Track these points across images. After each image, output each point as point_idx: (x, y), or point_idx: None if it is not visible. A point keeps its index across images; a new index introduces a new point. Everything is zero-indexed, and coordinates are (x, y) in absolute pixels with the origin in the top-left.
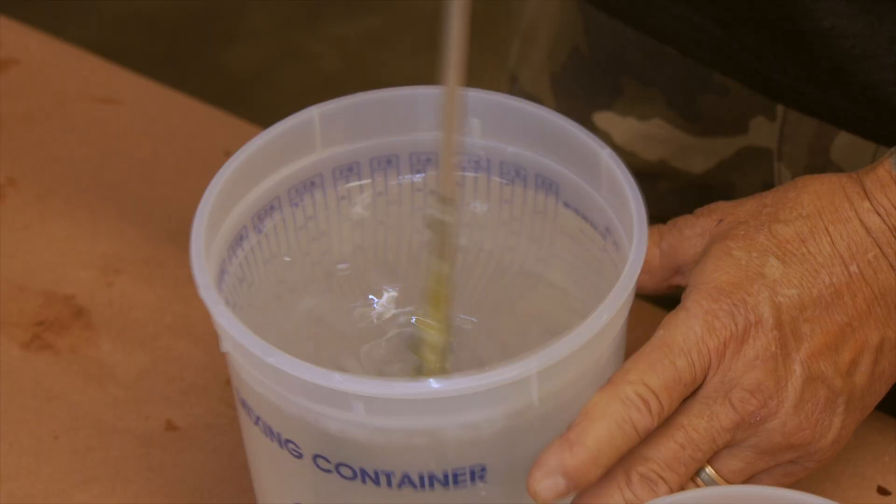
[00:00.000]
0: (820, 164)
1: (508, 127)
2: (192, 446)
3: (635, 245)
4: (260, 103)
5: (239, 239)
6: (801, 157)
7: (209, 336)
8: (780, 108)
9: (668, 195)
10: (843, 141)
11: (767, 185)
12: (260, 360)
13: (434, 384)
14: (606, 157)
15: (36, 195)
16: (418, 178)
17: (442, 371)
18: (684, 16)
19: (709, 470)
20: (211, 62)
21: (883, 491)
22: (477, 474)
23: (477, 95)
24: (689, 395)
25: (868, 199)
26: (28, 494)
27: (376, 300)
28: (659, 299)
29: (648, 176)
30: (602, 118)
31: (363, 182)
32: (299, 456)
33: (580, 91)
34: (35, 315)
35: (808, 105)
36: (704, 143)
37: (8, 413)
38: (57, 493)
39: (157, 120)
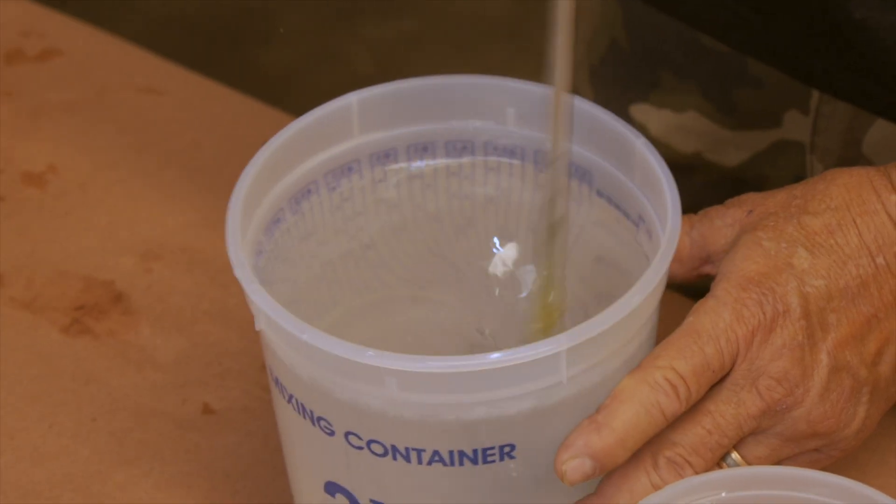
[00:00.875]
0: (852, 157)
1: (542, 115)
2: (228, 429)
3: (669, 229)
4: (294, 104)
5: (276, 221)
6: (834, 150)
7: (246, 322)
8: (813, 102)
9: (703, 188)
10: (875, 135)
11: (799, 179)
12: (293, 336)
13: (464, 360)
14: (641, 145)
15: (76, 183)
16: (453, 163)
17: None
18: (719, 1)
19: (735, 456)
20: (247, 62)
21: None
22: (506, 452)
23: (511, 84)
24: (717, 382)
25: (895, 192)
26: (67, 474)
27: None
28: (690, 290)
29: (683, 168)
30: (639, 110)
31: (399, 165)
32: (331, 433)
33: (618, 83)
34: (75, 300)
35: (842, 90)
36: (738, 137)
37: (48, 395)
38: (95, 474)
39: (197, 110)
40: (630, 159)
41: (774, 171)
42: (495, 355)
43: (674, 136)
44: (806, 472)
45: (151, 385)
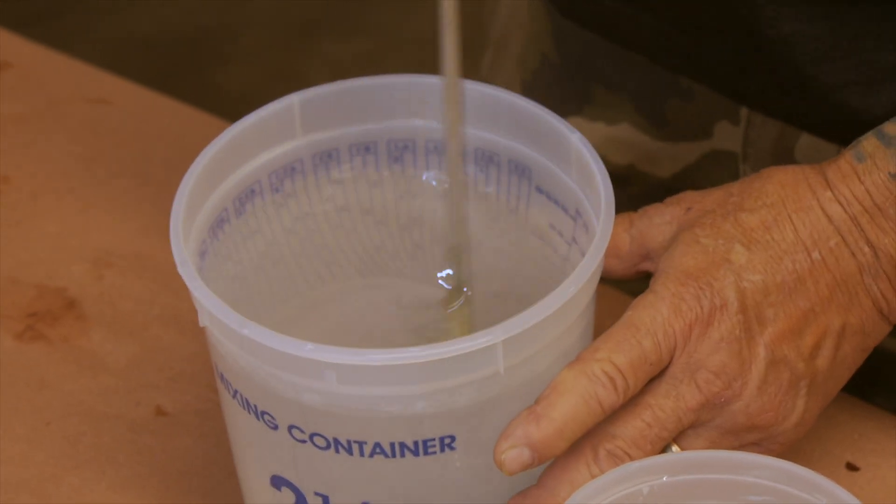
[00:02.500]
0: (784, 164)
1: (481, 113)
2: (181, 432)
3: (603, 219)
4: None
5: (220, 221)
6: (765, 159)
7: (197, 327)
8: (743, 113)
9: (637, 199)
10: (807, 142)
11: None
12: (234, 331)
13: (402, 352)
14: (576, 140)
15: (28, 193)
16: (396, 165)
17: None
18: (651, 25)
19: (675, 448)
20: (205, 83)
21: (851, 467)
22: (447, 444)
23: None
24: (656, 376)
25: (830, 188)
26: (21, 479)
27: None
28: (629, 288)
29: (618, 180)
30: (572, 123)
31: (342, 167)
32: (275, 427)
33: (550, 98)
34: (28, 307)
35: (772, 108)
36: (671, 148)
37: (2, 401)
38: (49, 477)
39: (147, 121)
40: (567, 155)
41: (707, 181)
42: (432, 348)
43: (608, 149)
44: (746, 456)
45: (104, 389)
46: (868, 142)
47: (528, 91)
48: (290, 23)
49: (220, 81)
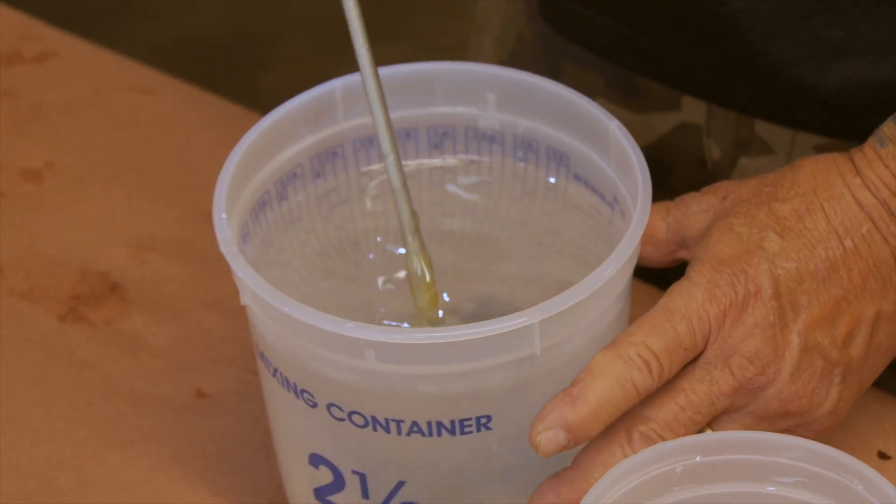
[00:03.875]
0: (745, 138)
1: (521, 101)
2: (221, 412)
3: (640, 204)
4: None
5: (262, 204)
6: (728, 132)
7: (238, 310)
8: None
9: None
10: None
11: (700, 161)
12: (276, 309)
13: (440, 331)
14: (614, 128)
15: (73, 179)
16: (436, 151)
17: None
18: (607, 26)
19: (708, 433)
20: (245, 86)
21: (883, 455)
22: (483, 424)
23: (491, 71)
24: (691, 361)
25: (859, 175)
26: (64, 456)
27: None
28: (662, 282)
29: None
30: None
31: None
32: (314, 405)
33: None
34: (71, 290)
35: (727, 99)
36: (644, 119)
37: (46, 381)
38: (91, 456)
39: (190, 110)
40: (605, 142)
41: (678, 152)
42: (470, 327)
43: None
44: (779, 437)
45: (146, 371)
46: (888, 127)
47: None
48: (329, 27)
49: (261, 85)
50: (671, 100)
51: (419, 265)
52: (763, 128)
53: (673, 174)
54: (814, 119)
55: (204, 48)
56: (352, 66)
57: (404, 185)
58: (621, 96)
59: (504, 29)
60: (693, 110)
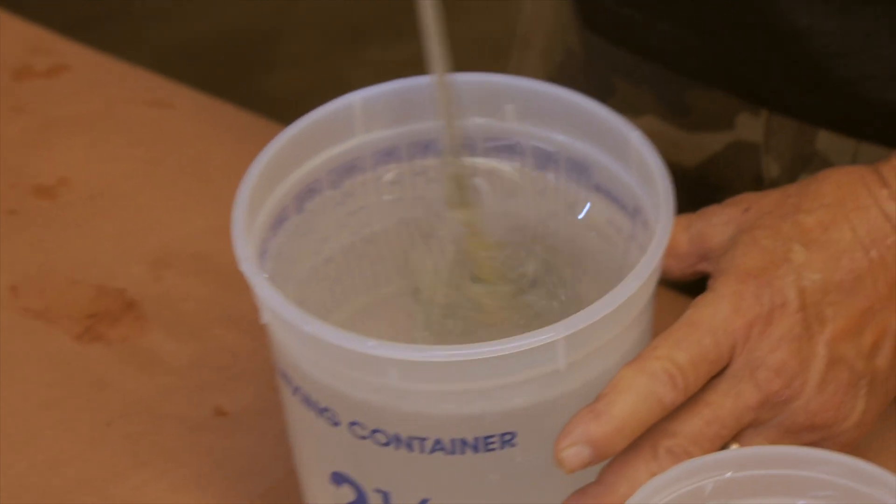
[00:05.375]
0: (806, 154)
1: (540, 111)
2: (241, 431)
3: (663, 216)
4: None
5: (280, 219)
6: (787, 149)
7: (257, 326)
8: None
9: None
10: (827, 133)
11: (757, 179)
12: (297, 328)
13: (464, 349)
14: (635, 138)
15: (87, 195)
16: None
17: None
18: (668, 31)
19: (734, 447)
20: (251, 89)
21: None
22: (507, 441)
23: (509, 81)
24: (717, 374)
25: (886, 187)
26: (83, 478)
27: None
28: (688, 290)
29: None
30: None
31: (402, 164)
32: (336, 424)
33: (575, 90)
34: (87, 308)
35: (789, 108)
36: (694, 139)
37: (63, 401)
38: (111, 477)
39: (205, 124)
40: (626, 152)
41: (732, 171)
42: (493, 345)
43: None
44: (810, 451)
45: (164, 389)
46: None
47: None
48: (335, 28)
49: (267, 87)
50: (724, 118)
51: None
52: (824, 143)
53: (725, 193)
54: (880, 131)
55: (207, 51)
56: (356, 68)
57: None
58: (672, 114)
59: (551, 42)
60: (749, 128)
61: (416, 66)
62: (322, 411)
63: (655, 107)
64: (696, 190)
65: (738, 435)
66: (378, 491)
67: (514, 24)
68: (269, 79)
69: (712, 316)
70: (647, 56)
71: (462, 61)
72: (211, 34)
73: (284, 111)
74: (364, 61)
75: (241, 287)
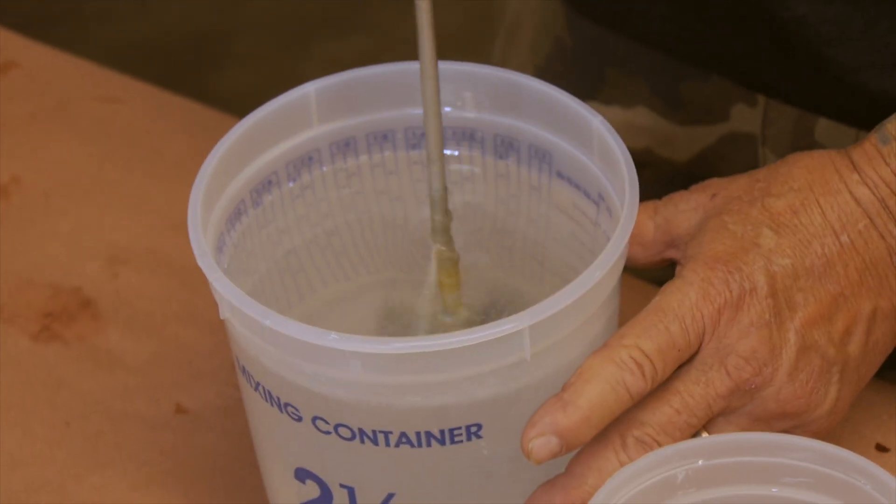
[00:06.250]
0: (804, 145)
1: (500, 99)
2: (202, 429)
3: (627, 203)
4: None
5: (237, 213)
6: (786, 140)
7: (216, 323)
8: (761, 95)
9: (654, 183)
10: (826, 123)
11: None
12: (256, 322)
13: (428, 340)
14: (598, 124)
15: (40, 193)
16: (414, 152)
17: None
18: (665, 15)
19: (704, 435)
20: (202, 86)
21: (881, 448)
22: (473, 432)
23: (468, 69)
24: (686, 362)
25: (857, 171)
26: (43, 479)
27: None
28: (655, 278)
29: (634, 164)
30: None
31: (360, 156)
32: (299, 419)
33: (564, 82)
34: (43, 307)
35: (788, 95)
36: (688, 131)
37: (20, 402)
38: (71, 477)
39: (157, 119)
40: (588, 139)
41: (725, 164)
42: (458, 335)
43: (624, 133)
44: (782, 438)
45: (123, 388)
46: (892, 125)
47: (542, 76)
48: (285, 24)
49: (218, 85)
50: (718, 110)
51: (444, 242)
52: (823, 134)
53: None
54: (879, 119)
55: (156, 49)
56: (308, 64)
57: (440, 158)
58: (665, 106)
59: (539, 34)
60: (744, 119)
61: (367, 59)
62: (284, 406)
63: (648, 98)
64: (685, 184)
65: (708, 424)
66: (343, 486)
67: (494, 13)
68: (219, 77)
69: (680, 302)
70: (642, 41)
71: (439, 52)
72: (157, 34)
73: (237, 108)
74: (315, 56)
75: (197, 283)
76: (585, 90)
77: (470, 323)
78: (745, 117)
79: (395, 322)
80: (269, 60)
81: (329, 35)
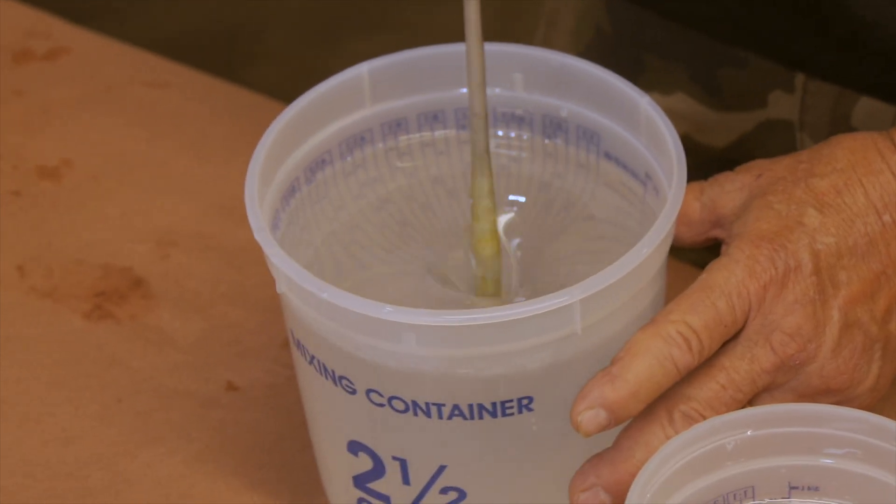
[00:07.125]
0: (842, 131)
1: (549, 80)
2: (252, 406)
3: (675, 181)
4: None
5: (291, 190)
6: (823, 126)
7: (263, 302)
8: (798, 81)
9: (692, 169)
10: (863, 109)
11: None
12: (313, 295)
13: (481, 313)
14: (645, 104)
15: (90, 175)
16: (464, 132)
17: (496, 290)
18: None
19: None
20: (233, 81)
21: None
22: (524, 405)
23: (517, 50)
24: (731, 338)
25: None
26: (95, 454)
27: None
28: (699, 261)
29: None
30: None
31: (411, 136)
32: (353, 392)
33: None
34: (94, 286)
35: (826, 72)
36: (725, 118)
37: (73, 379)
38: (122, 453)
39: (204, 102)
40: (636, 119)
41: (763, 150)
42: (511, 308)
43: None
44: (831, 408)
45: (174, 366)
46: None
47: None
48: (313, 21)
49: (249, 79)
50: (756, 96)
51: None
52: (860, 120)
53: None
54: None
55: (185, 47)
56: (337, 61)
57: (485, 115)
58: (703, 92)
59: (580, 21)
60: (782, 106)
61: None
62: (339, 380)
63: (687, 84)
64: (723, 170)
65: (752, 399)
66: (396, 458)
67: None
68: (249, 72)
69: (727, 279)
70: (681, 20)
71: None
72: (189, 29)
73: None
74: (342, 53)
75: (244, 264)
76: (626, 77)
77: (512, 297)
78: (783, 104)
79: (444, 297)
80: (295, 58)
81: (357, 33)
